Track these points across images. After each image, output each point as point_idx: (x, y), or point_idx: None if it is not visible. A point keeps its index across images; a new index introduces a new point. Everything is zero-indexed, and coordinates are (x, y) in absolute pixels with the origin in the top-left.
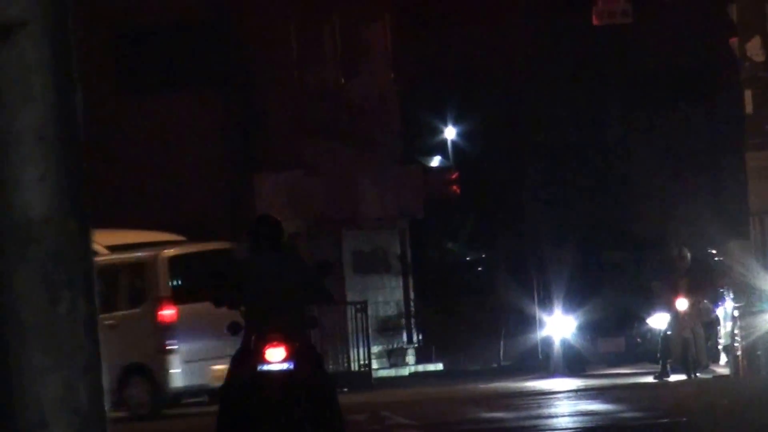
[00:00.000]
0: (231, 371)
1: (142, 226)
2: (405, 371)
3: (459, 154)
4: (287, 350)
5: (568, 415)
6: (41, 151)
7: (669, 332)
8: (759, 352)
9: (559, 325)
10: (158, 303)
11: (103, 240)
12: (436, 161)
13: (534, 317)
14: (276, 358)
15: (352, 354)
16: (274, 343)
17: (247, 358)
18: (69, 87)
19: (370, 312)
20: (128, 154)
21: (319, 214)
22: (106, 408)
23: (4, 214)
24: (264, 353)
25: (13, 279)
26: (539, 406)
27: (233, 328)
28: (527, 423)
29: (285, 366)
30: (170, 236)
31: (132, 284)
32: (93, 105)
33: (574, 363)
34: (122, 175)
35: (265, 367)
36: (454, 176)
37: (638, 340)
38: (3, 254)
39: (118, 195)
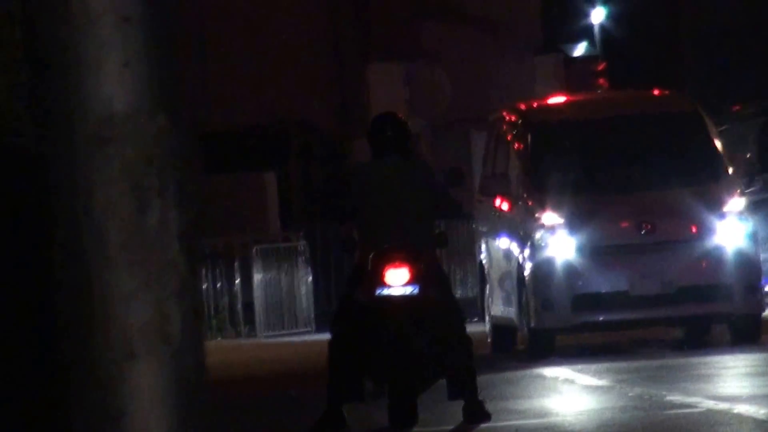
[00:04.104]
0: (345, 295)
1: (232, 121)
2: None
3: (607, 40)
4: (411, 272)
5: None
6: (126, 33)
7: None
8: None
9: None
10: None
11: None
12: (580, 49)
13: None
14: (397, 280)
15: None
16: (396, 263)
17: (364, 279)
18: None
19: None
20: (222, 38)
21: (443, 111)
22: (202, 335)
23: (82, 108)
24: (383, 275)
25: (93, 185)
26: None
27: (348, 245)
28: None
29: (408, 290)
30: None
31: None
32: None
33: None
34: (215, 64)
35: (385, 291)
36: (601, 67)
37: None
38: (81, 155)
39: (211, 86)
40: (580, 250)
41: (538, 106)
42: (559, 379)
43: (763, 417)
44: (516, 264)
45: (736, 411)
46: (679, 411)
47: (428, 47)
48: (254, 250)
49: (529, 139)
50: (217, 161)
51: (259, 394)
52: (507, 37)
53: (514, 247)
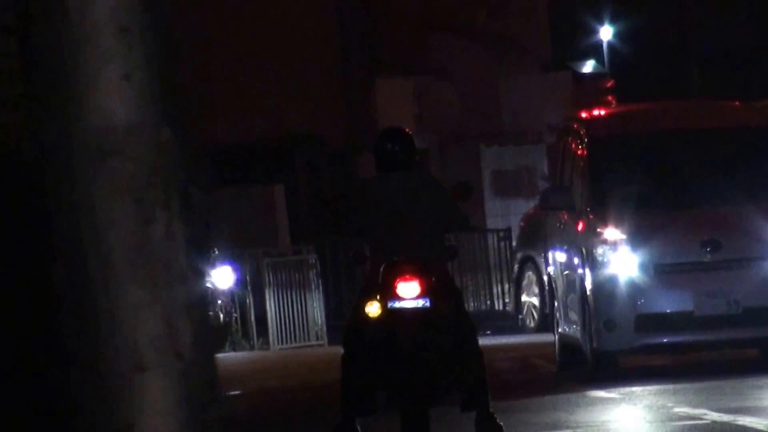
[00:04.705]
0: (356, 308)
1: (240, 135)
2: None
3: (616, 58)
4: (422, 285)
5: None
6: (125, 44)
7: None
8: None
9: None
10: None
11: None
12: (589, 66)
13: None
14: (409, 293)
15: (495, 290)
16: (407, 276)
17: (375, 292)
18: None
19: (514, 241)
20: (225, 51)
21: (452, 126)
22: (213, 349)
23: (81, 121)
24: (395, 288)
25: (95, 198)
26: None
27: (358, 258)
28: None
29: (419, 303)
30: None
31: None
32: None
33: None
34: (219, 77)
35: (397, 304)
36: (609, 84)
37: None
38: (82, 168)
39: (214, 100)
40: (643, 267)
41: (601, 116)
42: (570, 391)
43: (764, 428)
44: (579, 281)
45: (740, 423)
46: (685, 423)
47: (437, 62)
48: (265, 264)
49: (591, 151)
50: (226, 174)
51: (273, 406)
52: (516, 53)
53: (577, 264)
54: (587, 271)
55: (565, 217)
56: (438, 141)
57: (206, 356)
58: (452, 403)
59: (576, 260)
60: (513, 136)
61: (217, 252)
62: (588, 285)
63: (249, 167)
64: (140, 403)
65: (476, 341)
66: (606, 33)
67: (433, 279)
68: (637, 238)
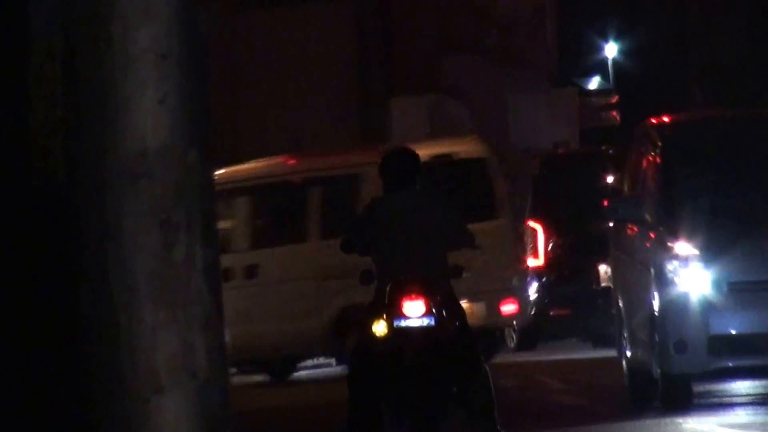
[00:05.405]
0: (363, 327)
1: (262, 154)
2: None
3: (621, 74)
4: (427, 303)
5: None
6: (163, 70)
7: None
8: None
9: None
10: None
11: None
12: (594, 83)
13: None
14: (414, 312)
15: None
16: (412, 295)
17: (381, 311)
18: (190, 1)
19: None
20: (250, 74)
21: None
22: (227, 369)
23: (115, 144)
24: (401, 306)
25: (122, 219)
26: None
27: (366, 278)
28: None
29: (424, 321)
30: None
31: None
32: (212, 21)
33: None
34: (243, 99)
35: (402, 323)
36: (614, 100)
37: None
38: (111, 190)
39: (239, 120)
40: (717, 284)
41: (675, 122)
42: (575, 406)
43: None
44: (647, 299)
45: None
46: None
47: (449, 82)
48: None
49: (663, 159)
50: None
51: (281, 426)
52: (526, 71)
53: (645, 281)
54: (656, 288)
55: (634, 230)
56: None
57: (220, 375)
58: (459, 420)
59: (645, 277)
60: (521, 152)
61: None
62: (657, 303)
63: None
64: (159, 424)
65: (480, 359)
66: (611, 50)
67: (438, 297)
68: (710, 253)
